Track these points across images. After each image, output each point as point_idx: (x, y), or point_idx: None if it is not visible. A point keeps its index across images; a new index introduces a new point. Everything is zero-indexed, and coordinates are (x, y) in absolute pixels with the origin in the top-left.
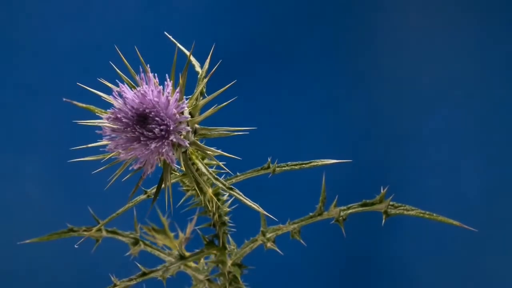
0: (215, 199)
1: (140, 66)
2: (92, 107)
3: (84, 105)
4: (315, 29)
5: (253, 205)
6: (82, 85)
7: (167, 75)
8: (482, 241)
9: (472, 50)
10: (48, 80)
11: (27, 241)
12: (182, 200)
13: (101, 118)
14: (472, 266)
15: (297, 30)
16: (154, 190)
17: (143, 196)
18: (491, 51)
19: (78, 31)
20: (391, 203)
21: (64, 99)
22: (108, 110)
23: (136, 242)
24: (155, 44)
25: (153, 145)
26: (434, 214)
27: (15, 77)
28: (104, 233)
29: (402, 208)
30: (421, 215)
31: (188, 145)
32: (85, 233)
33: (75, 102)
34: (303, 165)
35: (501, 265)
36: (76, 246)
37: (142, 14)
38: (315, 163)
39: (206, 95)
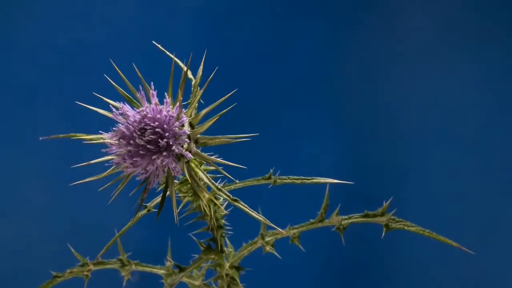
0: (216, 202)
1: (140, 85)
2: (72, 134)
3: (64, 135)
4: (314, 31)
5: (259, 217)
6: (82, 104)
7: (166, 93)
8: (483, 244)
9: (472, 51)
10: (48, 81)
11: None
12: (181, 206)
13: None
14: (472, 270)
15: (297, 32)
16: (153, 204)
17: (144, 211)
18: (492, 51)
19: (78, 33)
20: (392, 217)
21: (40, 138)
22: (113, 128)
23: (124, 265)
24: (152, 44)
25: (159, 160)
26: (434, 233)
27: (15, 77)
28: (91, 267)
29: (402, 223)
30: (421, 232)
31: (190, 157)
32: (70, 275)
33: (53, 136)
34: (305, 181)
35: (501, 267)
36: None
37: (140, 14)
38: (316, 180)
39: (201, 100)
